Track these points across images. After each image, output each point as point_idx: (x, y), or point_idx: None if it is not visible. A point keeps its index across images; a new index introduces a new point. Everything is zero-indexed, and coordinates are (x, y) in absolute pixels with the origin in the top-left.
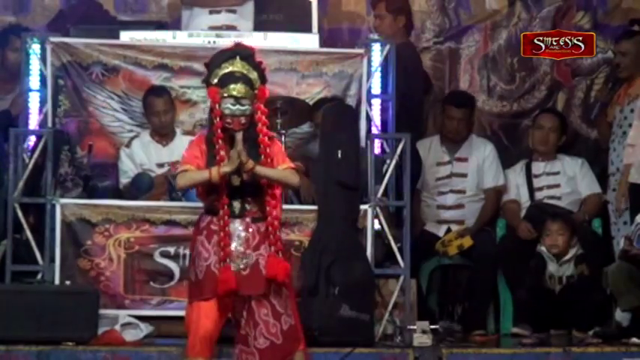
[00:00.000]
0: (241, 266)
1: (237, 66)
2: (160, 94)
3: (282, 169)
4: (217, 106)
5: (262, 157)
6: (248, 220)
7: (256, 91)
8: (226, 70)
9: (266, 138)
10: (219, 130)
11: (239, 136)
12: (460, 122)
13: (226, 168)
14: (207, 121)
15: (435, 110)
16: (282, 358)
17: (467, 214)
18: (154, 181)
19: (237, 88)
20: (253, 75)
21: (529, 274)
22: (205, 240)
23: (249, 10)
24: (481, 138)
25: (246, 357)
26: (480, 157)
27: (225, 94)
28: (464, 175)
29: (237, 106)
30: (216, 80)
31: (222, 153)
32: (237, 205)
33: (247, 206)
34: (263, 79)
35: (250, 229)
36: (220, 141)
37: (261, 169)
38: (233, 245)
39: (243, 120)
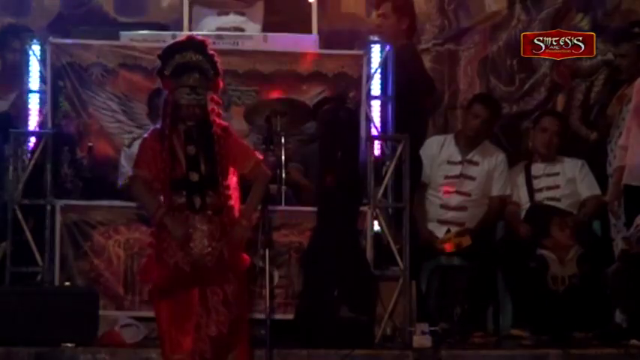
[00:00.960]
0: (207, 259)
1: (190, 57)
2: None
3: (250, 167)
4: (170, 97)
5: (217, 155)
6: (210, 213)
7: (211, 82)
8: (180, 61)
9: (219, 130)
10: (168, 120)
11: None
12: (483, 122)
13: (176, 233)
14: (160, 114)
15: (436, 112)
16: (226, 351)
17: (468, 218)
18: None
19: (192, 78)
20: (207, 66)
21: (529, 275)
22: (169, 236)
23: (259, 12)
24: (494, 146)
25: (200, 345)
26: (491, 164)
27: (180, 84)
28: (472, 179)
29: (193, 96)
30: (170, 71)
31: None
32: (197, 200)
33: (208, 200)
34: (216, 70)
35: (213, 222)
36: (167, 131)
37: (248, 215)
38: (198, 239)
39: (197, 110)
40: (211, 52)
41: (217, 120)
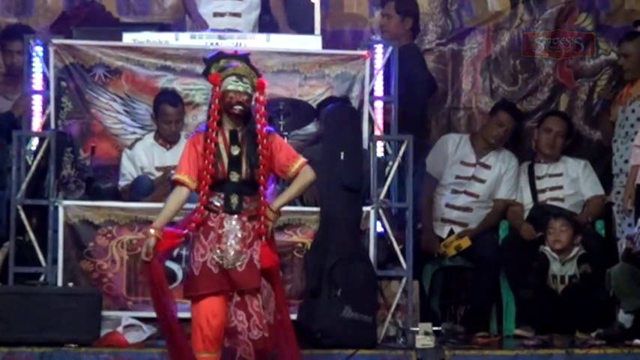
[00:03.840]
0: (238, 264)
1: (233, 59)
2: (175, 104)
3: (295, 169)
4: (218, 88)
5: (260, 155)
6: (244, 219)
7: (254, 80)
8: (224, 64)
9: (264, 131)
10: (215, 113)
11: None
12: (506, 131)
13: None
14: (206, 115)
15: (439, 112)
16: (269, 354)
17: (472, 219)
18: (153, 185)
19: (239, 67)
20: (249, 68)
21: (532, 275)
22: (202, 236)
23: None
24: (508, 151)
25: (243, 347)
26: (503, 169)
27: (227, 74)
28: (482, 181)
29: (240, 83)
30: (216, 70)
31: (211, 157)
32: (234, 201)
33: (244, 204)
34: (260, 76)
35: (246, 228)
36: (214, 134)
37: (280, 203)
38: (229, 243)
39: (245, 97)
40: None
41: (262, 121)
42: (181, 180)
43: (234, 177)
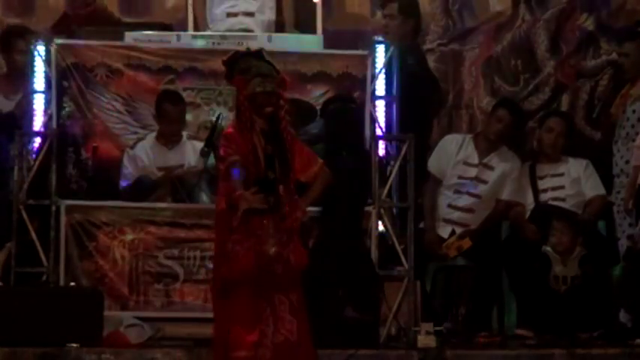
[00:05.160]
0: (276, 266)
1: (252, 60)
2: (176, 103)
3: (315, 171)
4: (244, 91)
5: (289, 153)
6: (279, 218)
7: (277, 77)
8: (243, 65)
9: (291, 134)
10: (247, 114)
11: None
12: (506, 127)
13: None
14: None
15: (441, 112)
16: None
17: (474, 220)
18: (154, 185)
19: (262, 67)
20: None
21: (533, 275)
22: (243, 239)
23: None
24: (511, 152)
25: (262, 352)
26: (506, 170)
27: (252, 75)
28: (485, 182)
29: (267, 83)
30: (238, 71)
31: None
32: (272, 200)
33: (280, 202)
34: (277, 70)
35: (281, 229)
36: (253, 134)
37: (306, 204)
38: (272, 250)
39: (274, 99)
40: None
41: (287, 119)
42: (239, 160)
43: (271, 176)
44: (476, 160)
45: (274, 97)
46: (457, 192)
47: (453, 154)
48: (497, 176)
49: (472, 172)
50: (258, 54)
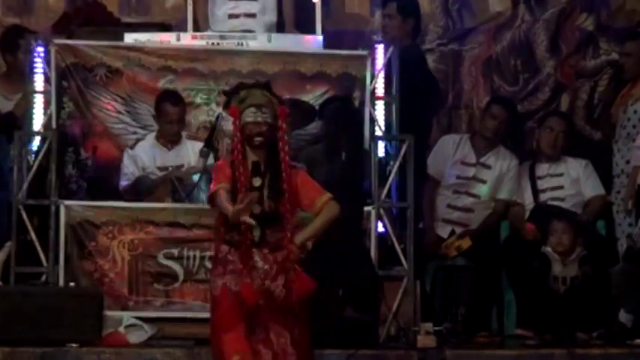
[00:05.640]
0: (260, 298)
1: (255, 90)
2: (176, 103)
3: (321, 204)
4: (237, 121)
5: (284, 183)
6: (266, 251)
7: (276, 107)
8: (244, 95)
9: (288, 163)
10: (239, 146)
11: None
12: (501, 123)
13: (244, 217)
14: (230, 147)
15: (440, 112)
16: None
17: (473, 220)
18: (154, 185)
19: (257, 97)
20: (269, 96)
21: (533, 275)
22: (221, 269)
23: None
24: (508, 151)
25: None
26: (504, 169)
27: (246, 105)
28: (483, 182)
29: (259, 113)
30: (236, 101)
31: (242, 179)
32: (257, 234)
33: (267, 237)
34: (282, 103)
35: (268, 260)
36: (241, 167)
37: (303, 238)
38: (252, 276)
39: (264, 128)
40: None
41: (285, 149)
42: (224, 187)
43: (256, 209)
44: (473, 160)
45: (265, 127)
46: (456, 192)
47: (450, 154)
48: (495, 175)
49: (470, 171)
50: (264, 85)
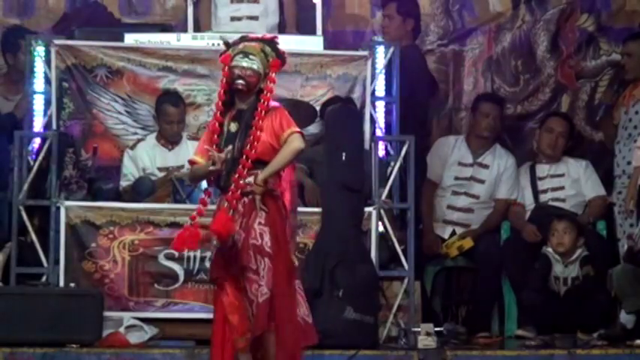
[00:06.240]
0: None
1: (253, 43)
2: (176, 104)
3: (286, 136)
4: (226, 67)
5: (253, 127)
6: (237, 193)
7: (269, 59)
8: (243, 45)
9: (265, 104)
10: (222, 92)
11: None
12: (494, 119)
13: (212, 168)
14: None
15: (440, 112)
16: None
17: (474, 220)
18: (155, 185)
19: (247, 45)
20: (267, 49)
21: (534, 276)
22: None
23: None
24: (505, 149)
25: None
26: (501, 167)
27: (236, 52)
28: (482, 182)
29: (246, 59)
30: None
31: (216, 125)
32: (223, 177)
33: (232, 181)
34: (280, 57)
35: (240, 203)
36: (219, 113)
37: (265, 174)
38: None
39: (248, 72)
40: (279, 47)
41: (267, 96)
42: (193, 160)
43: (227, 154)
44: (470, 160)
45: (249, 72)
46: (455, 193)
47: (447, 156)
48: (493, 175)
49: (467, 172)
50: (268, 40)
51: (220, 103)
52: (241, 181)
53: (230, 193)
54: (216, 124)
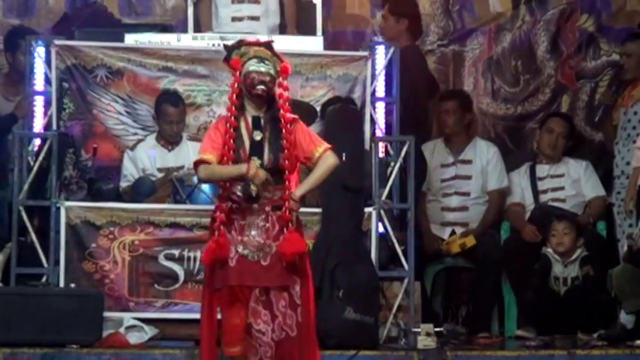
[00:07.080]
0: (260, 256)
1: (257, 47)
2: (176, 104)
3: (319, 153)
4: (238, 72)
5: (284, 139)
6: (268, 209)
7: (278, 64)
8: (245, 50)
9: (288, 115)
10: (234, 97)
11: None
12: (454, 114)
13: (251, 172)
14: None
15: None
16: (295, 353)
17: (471, 217)
18: (155, 186)
19: (259, 50)
20: (273, 56)
21: (534, 276)
22: (227, 230)
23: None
24: (485, 140)
25: (264, 349)
26: (484, 160)
27: (249, 57)
28: (468, 178)
29: (262, 64)
30: (237, 55)
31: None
32: (254, 189)
33: (267, 193)
34: (280, 59)
35: (270, 219)
36: (233, 118)
37: (302, 191)
38: (252, 234)
39: (267, 78)
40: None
41: (286, 106)
42: (205, 159)
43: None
44: (451, 160)
45: (268, 78)
46: (446, 195)
47: (428, 161)
48: (478, 169)
49: (451, 172)
50: (266, 44)
51: (234, 108)
52: (273, 196)
53: (270, 207)
54: (232, 129)
